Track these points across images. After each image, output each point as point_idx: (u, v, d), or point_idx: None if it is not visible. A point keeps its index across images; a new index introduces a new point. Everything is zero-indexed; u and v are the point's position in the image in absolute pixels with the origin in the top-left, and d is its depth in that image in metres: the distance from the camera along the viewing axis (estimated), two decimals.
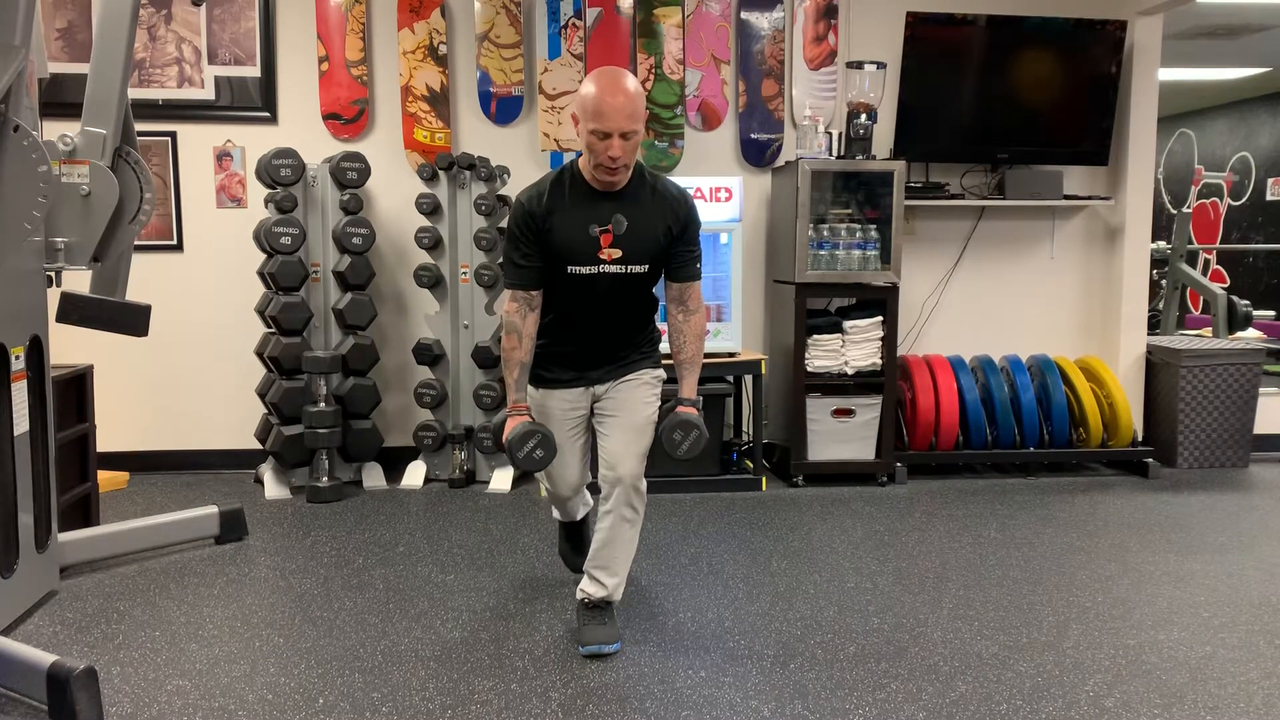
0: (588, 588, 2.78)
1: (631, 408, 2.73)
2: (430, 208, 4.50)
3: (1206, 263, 9.19)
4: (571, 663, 2.65)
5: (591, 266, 2.63)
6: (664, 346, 2.86)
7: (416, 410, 4.76)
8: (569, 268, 2.64)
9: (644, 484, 2.73)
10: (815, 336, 4.59)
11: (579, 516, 3.13)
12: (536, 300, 2.69)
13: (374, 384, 4.53)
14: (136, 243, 3.36)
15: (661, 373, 2.85)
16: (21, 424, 2.90)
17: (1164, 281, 6.64)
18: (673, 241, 2.69)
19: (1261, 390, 5.02)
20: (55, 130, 3.16)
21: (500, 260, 4.21)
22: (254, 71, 4.74)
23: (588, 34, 4.83)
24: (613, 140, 2.49)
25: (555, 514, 3.13)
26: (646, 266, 2.68)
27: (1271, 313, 7.58)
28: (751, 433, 4.70)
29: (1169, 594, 3.20)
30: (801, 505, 4.28)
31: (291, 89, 4.78)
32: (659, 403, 2.80)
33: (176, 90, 4.71)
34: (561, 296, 2.70)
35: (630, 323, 2.79)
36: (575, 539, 3.17)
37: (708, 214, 4.47)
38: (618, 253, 2.62)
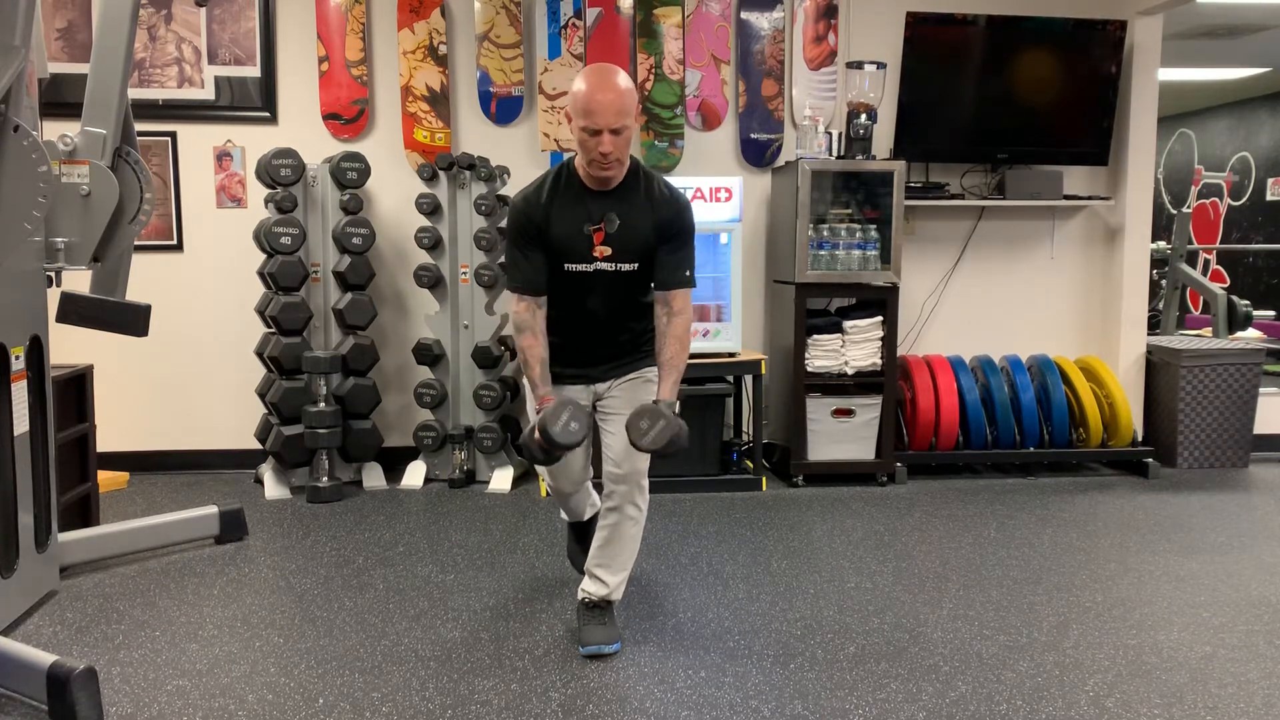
0: (588, 586, 2.79)
1: (634, 406, 2.72)
2: (430, 208, 4.50)
3: (1206, 263, 9.19)
4: (571, 663, 2.65)
5: (586, 264, 2.65)
6: None
7: (416, 410, 4.76)
8: (565, 265, 2.66)
9: (647, 481, 2.74)
10: (815, 336, 4.59)
11: (586, 516, 3.13)
12: (543, 299, 2.69)
13: (374, 384, 4.53)
14: (136, 243, 3.36)
15: None
16: (21, 424, 2.90)
17: (1164, 281, 6.64)
18: (660, 242, 2.67)
19: (1261, 390, 5.02)
20: (55, 130, 3.16)
21: (501, 261, 4.22)
22: (254, 71, 4.74)
23: (588, 34, 4.83)
24: (603, 136, 2.50)
25: (563, 514, 3.15)
26: (636, 265, 2.68)
27: (1271, 313, 7.57)
28: (751, 433, 4.70)
29: (1169, 594, 3.20)
30: (801, 505, 4.28)
31: (291, 89, 4.78)
32: None
33: (176, 90, 4.71)
34: (560, 293, 2.71)
35: (627, 320, 2.78)
36: (583, 539, 3.16)
37: (708, 214, 4.48)
38: (608, 250, 2.64)
